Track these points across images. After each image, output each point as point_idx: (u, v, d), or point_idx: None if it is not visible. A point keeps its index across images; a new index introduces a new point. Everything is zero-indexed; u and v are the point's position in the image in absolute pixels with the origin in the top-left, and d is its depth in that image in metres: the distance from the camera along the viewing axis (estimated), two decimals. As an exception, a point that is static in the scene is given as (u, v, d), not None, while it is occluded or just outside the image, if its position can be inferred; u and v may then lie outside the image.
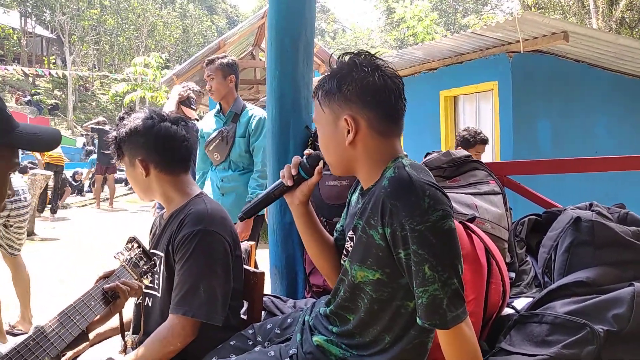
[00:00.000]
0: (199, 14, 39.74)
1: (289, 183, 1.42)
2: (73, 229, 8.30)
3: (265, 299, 1.85)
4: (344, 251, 1.39)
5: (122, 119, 1.70)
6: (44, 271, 5.38)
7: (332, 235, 1.57)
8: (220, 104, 3.26)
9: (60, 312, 1.27)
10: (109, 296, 1.41)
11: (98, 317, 1.39)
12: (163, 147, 1.64)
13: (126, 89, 18.81)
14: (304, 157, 1.42)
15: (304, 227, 1.50)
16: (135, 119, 1.66)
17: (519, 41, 4.74)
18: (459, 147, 4.23)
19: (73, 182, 13.07)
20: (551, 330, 1.45)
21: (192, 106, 4.32)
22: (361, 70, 1.26)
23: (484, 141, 4.32)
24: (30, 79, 29.82)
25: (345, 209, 1.52)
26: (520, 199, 2.55)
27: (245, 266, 1.82)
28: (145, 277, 1.53)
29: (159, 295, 1.65)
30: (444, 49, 5.50)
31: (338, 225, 1.57)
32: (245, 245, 2.14)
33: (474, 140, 4.26)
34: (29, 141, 0.96)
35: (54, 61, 33.07)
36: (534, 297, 1.71)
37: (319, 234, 1.52)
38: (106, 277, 1.46)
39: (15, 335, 3.41)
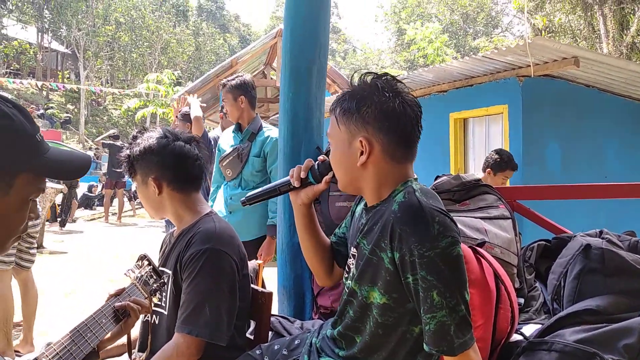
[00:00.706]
0: (212, 32, 40.30)
1: (296, 184, 1.45)
2: (82, 242, 8.34)
3: (272, 319, 1.85)
4: (346, 268, 1.40)
5: (135, 137, 1.71)
6: (52, 284, 5.39)
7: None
8: (239, 122, 3.31)
9: (72, 329, 1.27)
10: (120, 314, 1.41)
11: (109, 335, 1.39)
12: (177, 166, 1.66)
13: (138, 104, 19.02)
14: (317, 162, 1.44)
15: (303, 227, 1.53)
16: (149, 138, 1.67)
17: (529, 65, 4.76)
18: (488, 169, 4.19)
19: (89, 194, 13.21)
20: (560, 358, 1.43)
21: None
22: (382, 94, 1.26)
23: (515, 168, 4.27)
24: (44, 93, 30.24)
25: (349, 218, 1.54)
26: (528, 223, 2.55)
27: (253, 286, 1.82)
28: (155, 295, 1.53)
29: (166, 313, 1.65)
30: (454, 71, 5.54)
31: (338, 230, 1.59)
32: (252, 264, 2.14)
33: (505, 165, 4.20)
34: (53, 170, 0.95)
35: (67, 76, 33.59)
36: (542, 324, 1.70)
37: (316, 236, 1.55)
38: (117, 294, 1.46)
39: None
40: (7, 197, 0.89)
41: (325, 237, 1.58)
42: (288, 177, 1.47)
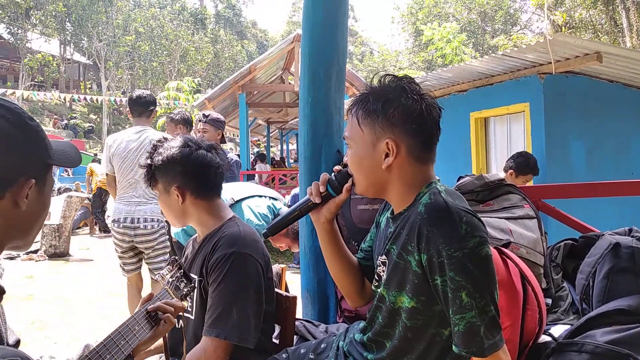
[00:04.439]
0: (230, 39, 40.66)
1: (317, 201, 1.41)
2: (106, 250, 8.45)
3: (297, 323, 1.85)
4: (376, 276, 1.38)
5: (155, 147, 1.72)
6: (78, 292, 5.49)
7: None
8: None
9: (106, 336, 1.27)
10: (152, 320, 1.41)
11: (142, 340, 1.39)
12: (199, 174, 1.67)
13: (159, 112, 19.25)
14: (333, 174, 1.41)
15: (328, 245, 1.49)
16: (171, 148, 1.68)
17: (550, 62, 4.69)
18: (511, 170, 4.18)
19: None
20: (592, 360, 1.41)
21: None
22: (409, 97, 1.26)
23: (537, 173, 4.27)
24: (68, 104, 30.84)
25: (374, 230, 1.51)
26: (553, 222, 2.50)
27: (277, 290, 1.83)
28: (185, 299, 1.54)
29: (193, 317, 1.67)
30: (474, 71, 5.49)
31: (364, 244, 1.56)
32: (276, 268, 2.15)
33: (530, 170, 4.19)
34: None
35: (89, 86, 34.26)
36: (571, 324, 1.67)
37: (342, 253, 1.51)
38: (148, 299, 1.47)
39: None
40: None
41: (351, 255, 1.54)
42: (307, 197, 1.43)
